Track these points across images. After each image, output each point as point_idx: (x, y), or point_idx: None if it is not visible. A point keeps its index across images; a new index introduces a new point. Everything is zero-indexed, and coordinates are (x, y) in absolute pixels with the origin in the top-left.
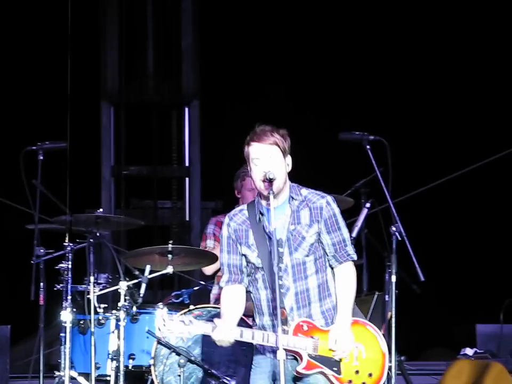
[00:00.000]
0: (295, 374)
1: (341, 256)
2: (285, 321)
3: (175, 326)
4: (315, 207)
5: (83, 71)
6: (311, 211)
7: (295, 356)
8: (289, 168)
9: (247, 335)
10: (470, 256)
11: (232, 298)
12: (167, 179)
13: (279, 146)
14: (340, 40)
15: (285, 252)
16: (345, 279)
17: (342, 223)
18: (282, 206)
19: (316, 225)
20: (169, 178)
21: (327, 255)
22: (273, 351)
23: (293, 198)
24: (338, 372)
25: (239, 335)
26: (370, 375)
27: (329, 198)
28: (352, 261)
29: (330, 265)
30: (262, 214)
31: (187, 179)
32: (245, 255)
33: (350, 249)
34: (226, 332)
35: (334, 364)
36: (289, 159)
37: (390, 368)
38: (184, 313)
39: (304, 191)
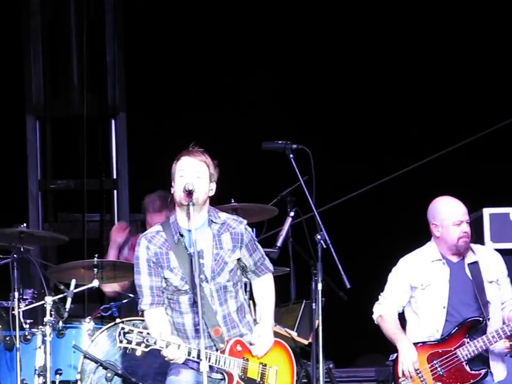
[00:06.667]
0: None
1: (260, 271)
2: (221, 340)
3: (134, 337)
4: (235, 232)
5: (7, 84)
6: (232, 236)
7: (224, 374)
8: (212, 193)
9: (194, 354)
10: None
11: (162, 321)
12: (95, 192)
13: (208, 166)
14: (251, 43)
15: (208, 276)
16: (265, 289)
17: (257, 241)
18: (202, 228)
19: (238, 252)
20: (97, 191)
21: (246, 271)
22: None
23: (212, 221)
24: None
25: (187, 353)
26: None
27: (245, 222)
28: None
29: (248, 278)
30: (181, 235)
31: (115, 191)
32: (166, 279)
33: (268, 262)
34: (178, 350)
35: None
36: (214, 185)
37: (318, 376)
38: (111, 326)
39: (222, 215)
